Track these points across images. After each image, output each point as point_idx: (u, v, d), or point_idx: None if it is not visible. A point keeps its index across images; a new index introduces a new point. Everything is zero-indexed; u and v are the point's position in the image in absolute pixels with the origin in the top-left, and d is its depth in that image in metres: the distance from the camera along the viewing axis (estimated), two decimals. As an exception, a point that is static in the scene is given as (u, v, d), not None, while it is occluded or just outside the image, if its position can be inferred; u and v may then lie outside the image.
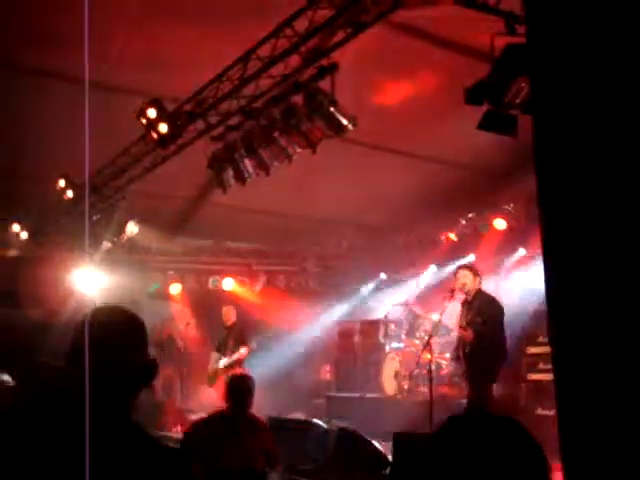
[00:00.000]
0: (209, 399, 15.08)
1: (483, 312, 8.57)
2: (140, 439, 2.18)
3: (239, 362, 12.00)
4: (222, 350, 12.33)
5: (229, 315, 12.64)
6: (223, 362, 12.19)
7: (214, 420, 6.41)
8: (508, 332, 8.80)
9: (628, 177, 2.75)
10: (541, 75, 3.29)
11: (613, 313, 2.78)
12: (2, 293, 13.15)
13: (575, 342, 2.93)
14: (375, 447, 7.56)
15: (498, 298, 9.10)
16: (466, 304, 8.89)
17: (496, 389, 9.19)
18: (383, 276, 15.33)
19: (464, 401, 9.03)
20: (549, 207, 3.08)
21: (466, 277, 8.85)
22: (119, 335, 2.23)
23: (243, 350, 12.04)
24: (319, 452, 7.83)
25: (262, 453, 6.15)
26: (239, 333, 12.32)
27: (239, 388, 6.47)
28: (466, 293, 8.86)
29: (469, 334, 8.54)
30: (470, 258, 12.64)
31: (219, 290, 16.23)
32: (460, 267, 9.31)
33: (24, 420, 2.07)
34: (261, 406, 13.14)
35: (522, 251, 12.30)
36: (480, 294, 8.81)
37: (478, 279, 8.88)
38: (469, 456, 1.57)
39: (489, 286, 9.32)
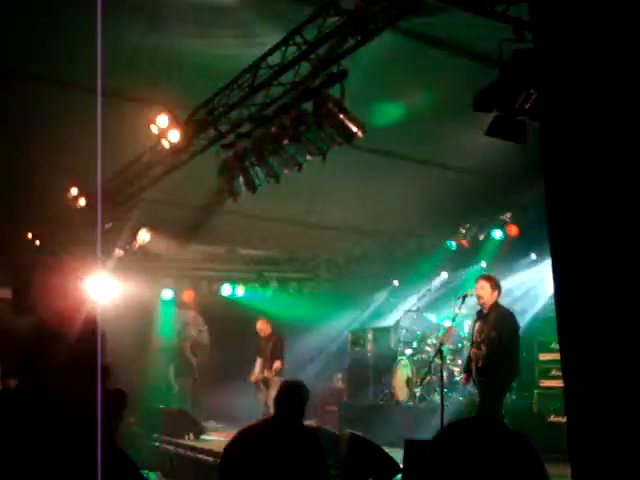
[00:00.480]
0: (220, 407, 15.15)
1: (498, 326, 8.44)
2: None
3: (278, 373, 12.68)
4: (262, 357, 13.07)
5: (263, 328, 13.29)
6: (263, 375, 12.94)
7: (261, 429, 5.64)
8: (521, 338, 8.73)
9: (635, 183, 2.74)
10: (548, 81, 3.29)
11: (622, 317, 2.77)
12: (14, 300, 13.23)
13: (584, 346, 2.93)
14: (386, 454, 7.55)
15: (512, 310, 9.00)
16: (482, 316, 8.78)
17: (509, 396, 9.14)
18: (395, 283, 15.31)
19: (476, 408, 8.98)
20: (557, 213, 3.08)
21: (483, 289, 8.71)
22: None
23: (277, 364, 12.73)
24: (331, 459, 7.82)
25: (313, 472, 5.43)
26: (274, 345, 13.01)
27: (290, 395, 5.70)
28: (481, 305, 8.77)
29: (482, 352, 8.42)
30: (481, 264, 12.61)
31: (231, 297, 16.26)
32: (480, 277, 9.15)
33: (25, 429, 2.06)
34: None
35: (533, 256, 12.25)
36: (496, 307, 8.67)
37: (496, 292, 8.70)
38: (465, 461, 1.58)
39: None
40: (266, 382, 12.78)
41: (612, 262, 2.81)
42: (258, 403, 13.07)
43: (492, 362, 8.32)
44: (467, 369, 8.92)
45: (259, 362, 13.15)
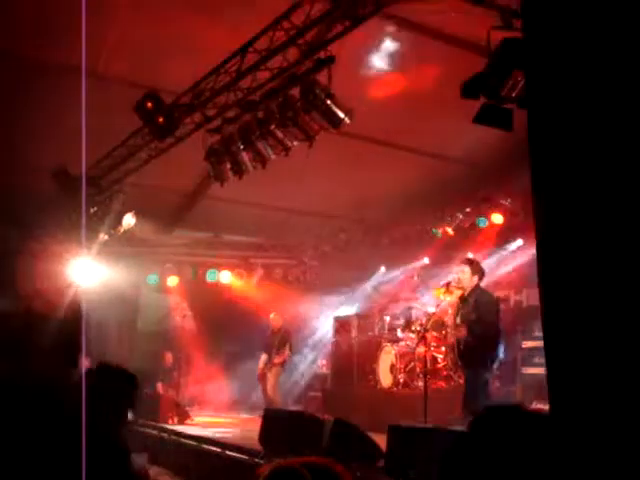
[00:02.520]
0: (204, 392, 15.18)
1: (478, 308, 8.55)
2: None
3: (282, 363, 13.19)
4: (269, 351, 13.34)
5: (276, 321, 13.66)
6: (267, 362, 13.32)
7: None
8: (503, 326, 8.80)
9: (620, 169, 2.77)
10: (536, 69, 3.31)
11: (607, 303, 2.80)
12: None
13: (568, 333, 2.95)
14: (370, 439, 7.57)
15: (494, 294, 9.09)
16: (462, 299, 8.87)
17: (492, 383, 9.20)
18: (381, 270, 15.34)
19: (459, 394, 9.03)
20: (542, 198, 3.10)
21: (463, 273, 8.81)
22: None
23: (285, 354, 13.20)
24: (314, 444, 7.84)
25: None
26: (283, 337, 13.37)
27: None
28: (461, 288, 8.85)
29: (462, 332, 8.54)
30: (467, 252, 12.64)
31: (216, 283, 16.25)
32: (462, 261, 9.24)
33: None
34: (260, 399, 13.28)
35: (519, 241, 12.25)
36: (476, 290, 8.77)
37: (477, 276, 8.78)
38: (504, 448, 1.57)
39: (485, 281, 9.29)
40: (270, 370, 13.13)
41: (598, 247, 2.83)
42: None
43: (472, 343, 8.42)
44: (452, 351, 9.03)
45: (263, 358, 13.41)
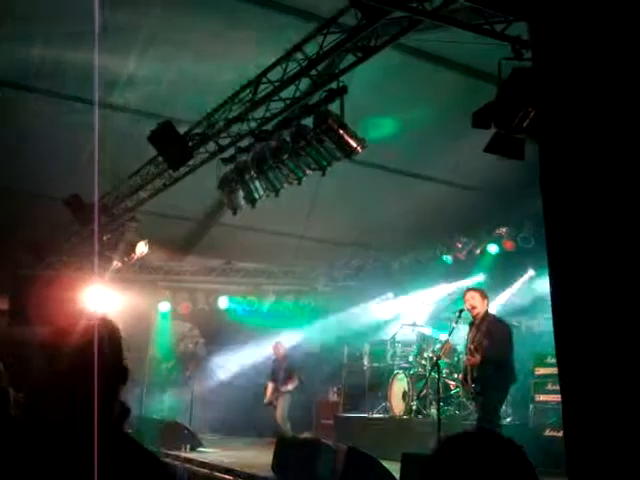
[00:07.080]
0: (216, 419, 15.13)
1: (491, 334, 8.54)
2: (132, 450, 2.17)
3: (290, 391, 13.15)
4: (275, 379, 13.37)
5: (278, 350, 13.72)
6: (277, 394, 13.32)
7: None
8: (517, 353, 8.78)
9: (634, 199, 2.81)
10: (546, 99, 3.36)
11: (621, 330, 2.82)
12: (13, 311, 13.24)
13: (582, 360, 2.97)
14: (383, 467, 7.55)
15: (506, 320, 9.09)
16: (474, 326, 8.86)
17: (504, 411, 9.16)
18: (391, 296, 15.34)
19: (473, 422, 9.00)
20: (554, 227, 3.14)
21: (475, 300, 8.81)
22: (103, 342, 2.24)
23: (293, 382, 13.15)
24: (327, 472, 7.83)
25: None
26: (289, 366, 13.37)
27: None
28: (475, 316, 8.84)
29: (476, 359, 8.51)
30: (478, 278, 12.66)
31: (228, 309, 16.28)
32: (468, 290, 9.24)
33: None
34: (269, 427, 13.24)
35: (531, 272, 12.31)
36: (488, 316, 8.78)
37: (486, 301, 8.84)
38: (462, 475, 1.62)
39: (497, 307, 9.31)
40: (278, 399, 13.13)
41: (612, 274, 2.86)
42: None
43: (486, 370, 8.38)
44: (464, 379, 8.99)
45: (270, 386, 13.39)
